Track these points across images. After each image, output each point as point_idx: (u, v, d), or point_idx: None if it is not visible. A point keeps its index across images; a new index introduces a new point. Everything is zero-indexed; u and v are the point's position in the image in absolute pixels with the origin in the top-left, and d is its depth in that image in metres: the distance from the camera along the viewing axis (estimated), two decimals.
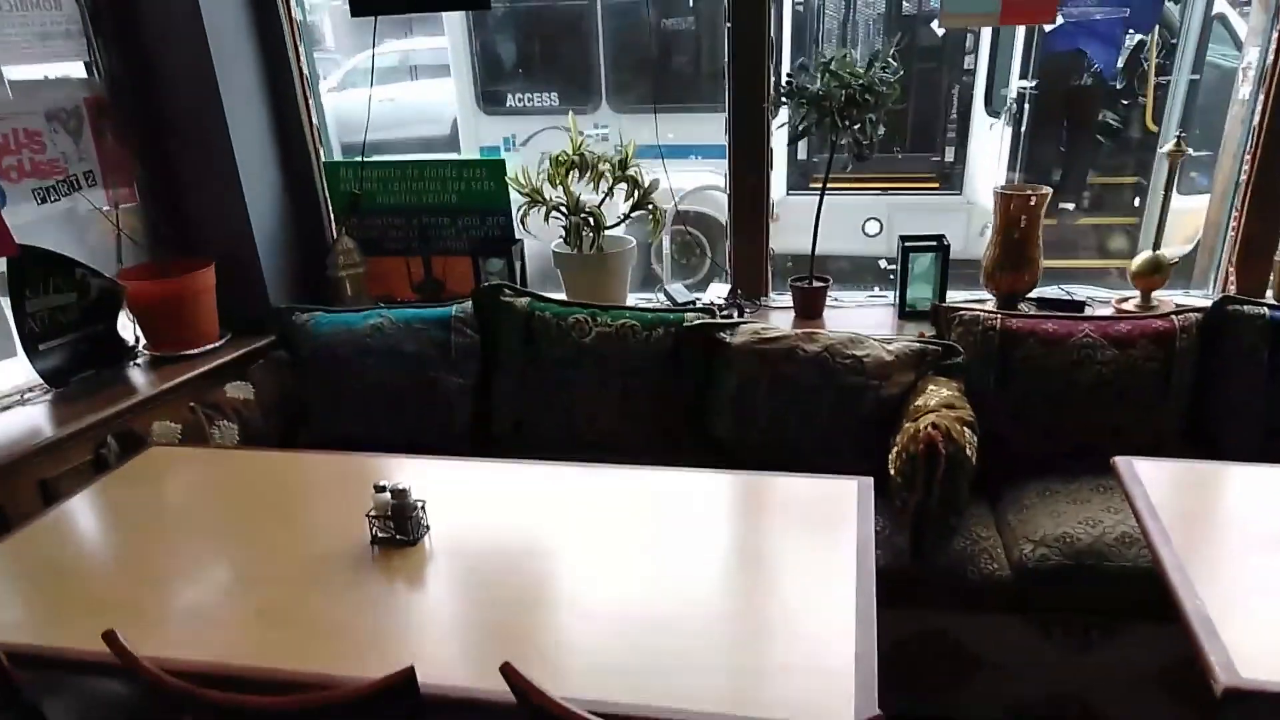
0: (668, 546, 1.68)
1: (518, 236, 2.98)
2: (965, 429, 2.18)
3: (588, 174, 2.73)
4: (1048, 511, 2.24)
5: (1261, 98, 2.48)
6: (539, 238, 2.94)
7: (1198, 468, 1.91)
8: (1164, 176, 2.51)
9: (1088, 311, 2.67)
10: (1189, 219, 4.84)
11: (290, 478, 2.04)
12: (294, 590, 1.57)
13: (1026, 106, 5.30)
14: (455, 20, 6.10)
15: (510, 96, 6.36)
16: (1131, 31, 5.70)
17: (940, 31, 5.72)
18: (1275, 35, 2.42)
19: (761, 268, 2.92)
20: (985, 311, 2.44)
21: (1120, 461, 1.94)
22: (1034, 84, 5.34)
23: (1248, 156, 2.54)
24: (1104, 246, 5.97)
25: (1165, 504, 1.73)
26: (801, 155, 6.39)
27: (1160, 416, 2.34)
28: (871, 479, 1.87)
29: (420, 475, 1.78)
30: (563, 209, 2.74)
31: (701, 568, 1.63)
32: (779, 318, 2.88)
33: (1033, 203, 2.52)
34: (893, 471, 2.17)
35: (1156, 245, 2.56)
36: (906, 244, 2.72)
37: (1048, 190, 2.55)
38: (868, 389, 2.38)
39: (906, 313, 2.76)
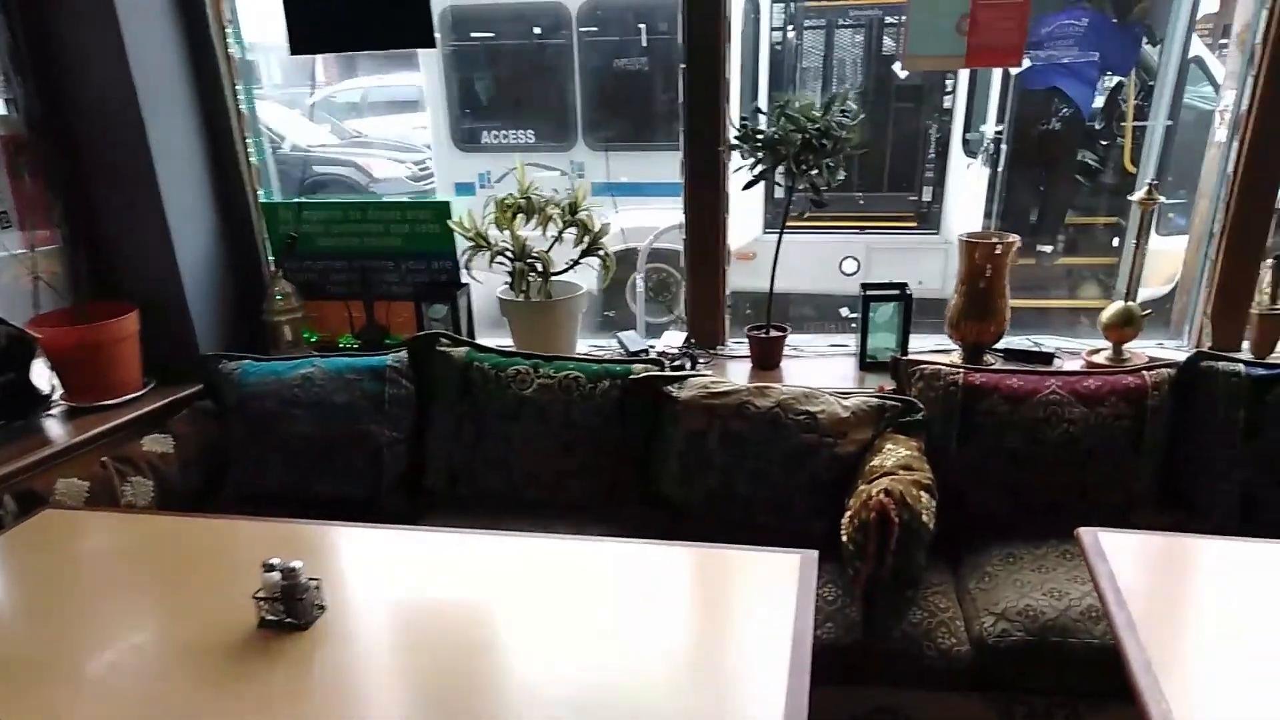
0: (597, 627, 1.53)
1: (464, 281, 2.84)
2: (922, 493, 2.04)
3: (535, 217, 2.60)
4: (1011, 580, 2.10)
5: (1236, 144, 2.37)
6: (484, 283, 2.82)
7: (1166, 541, 1.77)
8: (1139, 222, 2.40)
9: (1057, 364, 2.55)
10: (1168, 260, 4.75)
11: (189, 546, 1.87)
12: (173, 683, 1.41)
13: (1003, 147, 5.23)
14: (431, 56, 6.05)
15: (486, 133, 6.29)
16: (1109, 74, 5.67)
17: (903, 74, 5.68)
18: (1251, 80, 2.33)
19: (718, 315, 2.79)
20: (947, 366, 2.31)
21: (1085, 534, 1.80)
22: (999, 128, 5.28)
23: (1222, 204, 2.43)
24: (1081, 288, 5.88)
25: (1132, 583, 1.59)
26: (778, 194, 6.33)
27: (1131, 477, 2.20)
28: (816, 553, 1.74)
29: (335, 544, 1.63)
30: (508, 254, 2.61)
31: (632, 649, 1.48)
32: (736, 368, 2.75)
33: (998, 251, 2.40)
34: (845, 539, 2.03)
35: (1129, 295, 2.44)
36: (868, 292, 2.59)
37: (1014, 239, 2.44)
38: (822, 447, 2.24)
39: (868, 364, 2.63)
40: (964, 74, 5.42)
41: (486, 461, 2.43)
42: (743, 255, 6.25)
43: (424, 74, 6.25)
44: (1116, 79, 5.62)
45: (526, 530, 2.16)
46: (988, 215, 5.54)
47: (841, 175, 2.35)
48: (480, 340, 2.61)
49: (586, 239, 2.60)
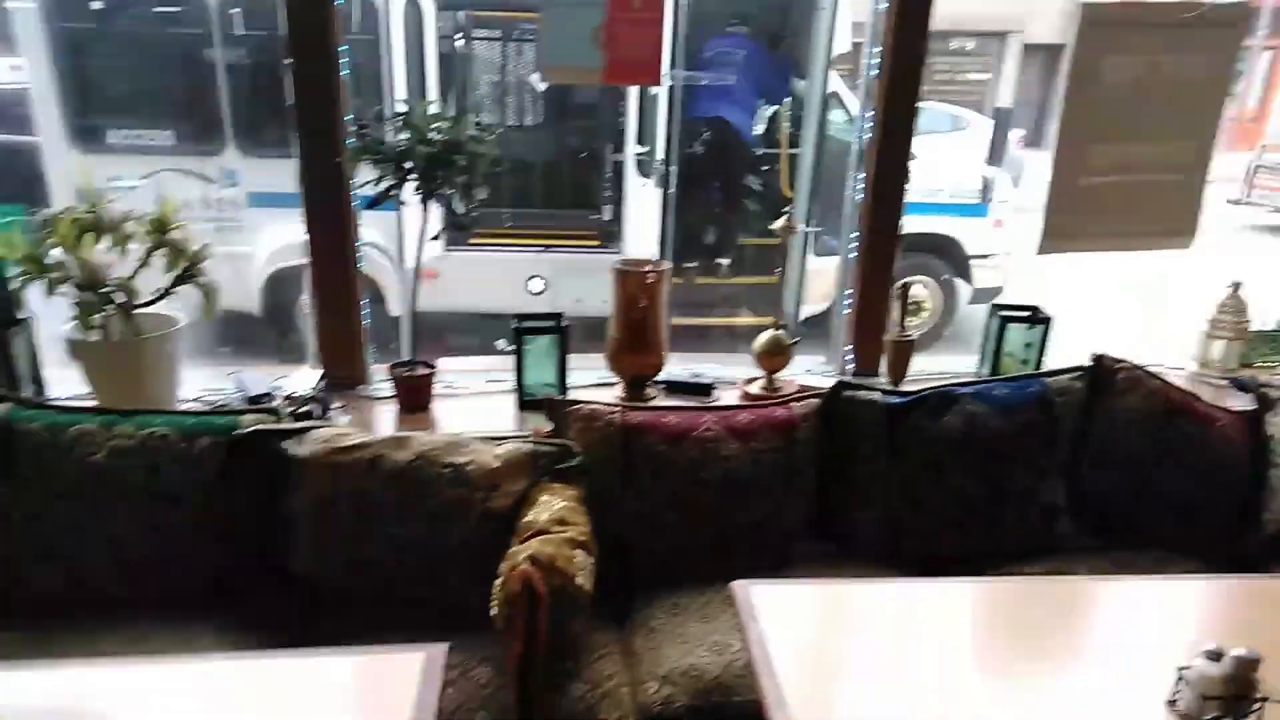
0: None
1: (20, 316, 2.23)
2: (577, 552, 1.84)
3: (109, 237, 2.08)
4: (676, 635, 1.95)
5: (863, 177, 2.44)
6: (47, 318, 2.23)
7: (812, 589, 1.70)
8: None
9: (716, 394, 2.48)
10: (825, 278, 5.06)
11: None
12: None
13: (672, 169, 5.32)
14: (34, 35, 5.04)
15: (112, 132, 5.35)
16: (765, 102, 6.01)
17: (542, 86, 5.65)
18: (871, 116, 2.40)
19: (355, 350, 2.43)
20: (604, 405, 2.14)
21: (738, 588, 1.69)
22: (646, 148, 5.39)
23: (853, 233, 2.49)
24: (754, 305, 6.16)
25: (784, 643, 1.50)
26: (458, 208, 6.01)
27: (788, 511, 2.15)
28: (445, 647, 1.47)
29: None
30: (72, 281, 2.06)
31: None
32: (384, 411, 2.41)
33: (650, 280, 2.28)
34: (494, 613, 1.77)
35: (778, 324, 2.42)
36: (521, 324, 2.36)
37: (667, 265, 2.33)
38: (473, 503, 1.98)
39: (527, 402, 2.40)
40: (633, 94, 5.46)
41: (41, 555, 1.89)
42: (427, 273, 5.90)
43: (24, 56, 5.18)
44: (773, 108, 5.97)
45: (96, 648, 1.72)
46: (663, 236, 5.62)
47: (483, 194, 2.10)
48: (54, 393, 2.04)
49: (182, 263, 2.13)
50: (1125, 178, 2.41)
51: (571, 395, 2.45)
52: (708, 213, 6.17)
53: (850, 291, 2.54)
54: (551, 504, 1.97)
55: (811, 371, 2.62)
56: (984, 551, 2.16)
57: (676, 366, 2.57)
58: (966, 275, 6.17)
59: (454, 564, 1.98)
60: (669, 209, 5.48)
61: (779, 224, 2.35)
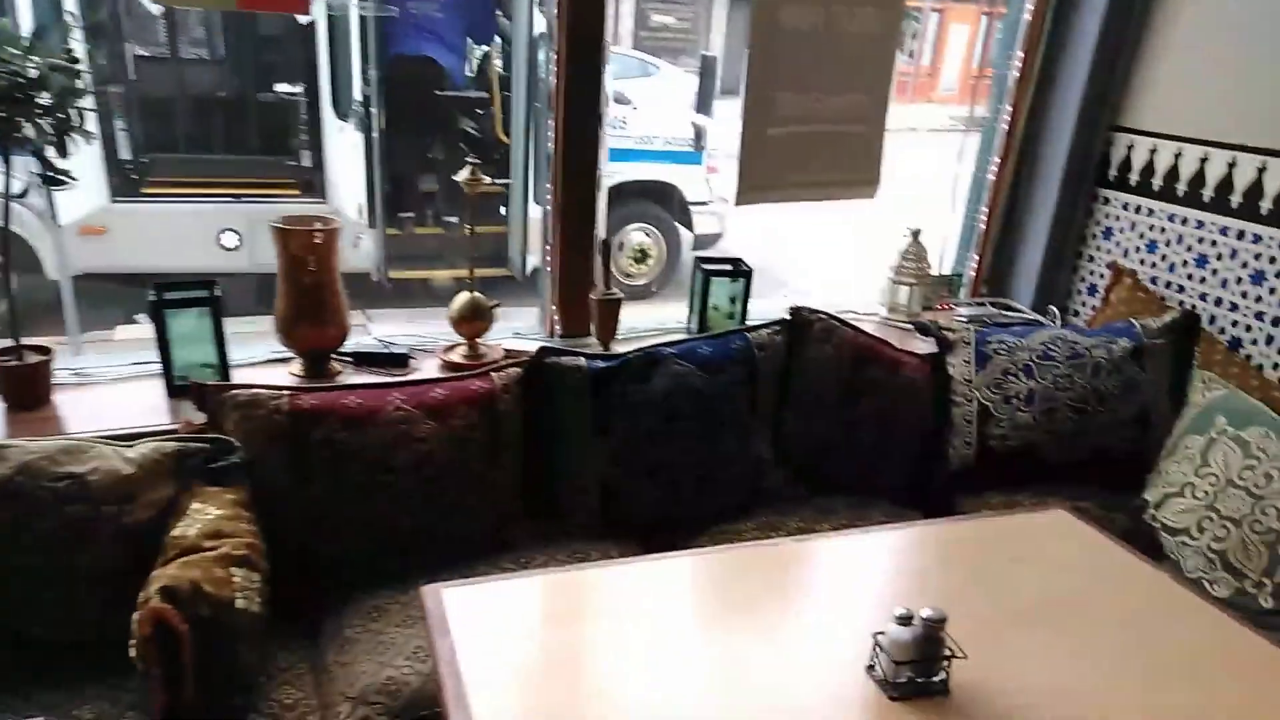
0: None
1: None
2: (234, 570, 1.55)
3: None
4: (373, 645, 1.72)
5: (553, 120, 2.26)
6: None
7: (513, 584, 1.54)
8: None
9: (414, 364, 2.23)
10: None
11: None
12: None
13: (374, 111, 4.87)
14: None
15: None
16: (473, 42, 5.67)
17: (158, 9, 5.01)
18: (554, 56, 2.21)
19: None
20: (267, 389, 1.82)
21: (427, 594, 1.49)
22: (368, 91, 4.92)
23: (548, 185, 2.31)
24: (481, 256, 5.86)
25: (479, 646, 1.35)
26: (125, 154, 5.19)
27: (495, 492, 1.97)
28: None
29: None
30: None
31: None
32: None
33: (318, 240, 1.97)
34: (132, 655, 1.44)
35: (471, 285, 2.20)
36: (161, 295, 1.95)
37: (337, 224, 2.03)
38: (102, 521, 1.63)
39: (179, 388, 2.01)
40: (322, 29, 4.92)
41: None
42: (89, 229, 5.04)
43: None
44: (483, 48, 5.65)
45: None
46: (370, 185, 5.17)
47: (82, 143, 1.68)
48: None
49: None
50: (810, 128, 2.42)
51: (240, 377, 2.10)
52: (422, 159, 5.77)
53: (549, 247, 2.37)
54: (204, 513, 1.66)
55: (520, 334, 2.43)
56: (699, 513, 2.11)
57: (374, 332, 2.29)
58: (688, 222, 6.28)
59: (89, 595, 1.63)
60: (374, 155, 5.05)
61: (463, 176, 2.11)
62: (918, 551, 1.71)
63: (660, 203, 6.20)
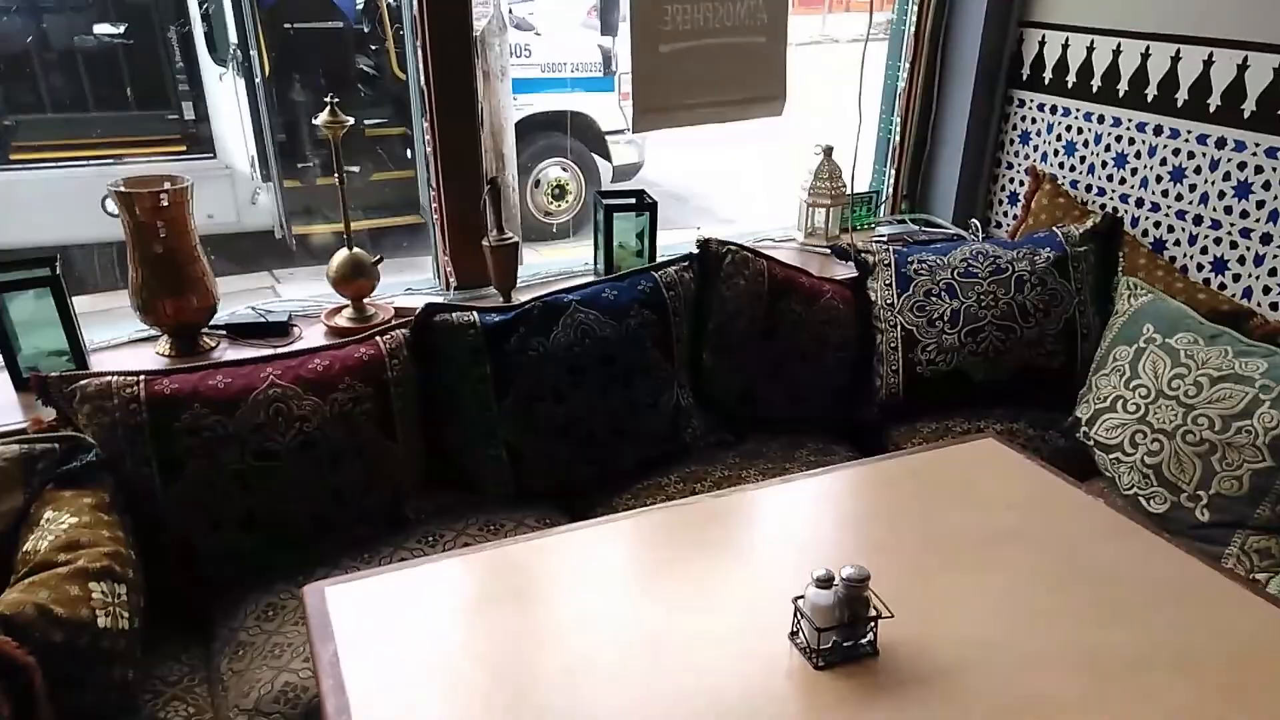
0: None
1: None
2: (93, 586, 1.39)
3: None
4: (268, 648, 1.57)
5: (418, 49, 2.04)
6: None
7: (404, 576, 1.39)
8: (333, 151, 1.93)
9: (297, 332, 2.03)
10: None
11: None
12: None
13: (253, 54, 4.51)
14: None
15: None
16: None
17: None
18: None
19: None
20: (119, 376, 1.63)
21: (309, 591, 1.35)
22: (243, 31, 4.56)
23: (425, 124, 2.10)
24: (392, 203, 5.57)
25: (360, 647, 1.23)
26: None
27: (396, 468, 1.81)
28: None
29: None
30: None
31: None
32: None
33: (165, 203, 1.75)
34: None
35: (350, 241, 2.00)
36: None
37: (186, 181, 1.81)
38: None
39: (25, 381, 1.79)
40: None
41: None
42: None
43: None
44: None
45: None
46: (259, 134, 4.83)
47: None
48: None
49: None
50: (705, 41, 2.24)
51: (101, 362, 1.89)
52: (318, 103, 5.40)
53: (433, 195, 2.17)
54: (59, 522, 1.49)
55: (413, 290, 2.24)
56: (619, 469, 1.99)
57: (284, 295, 2.09)
58: (605, 153, 6.04)
59: None
60: (260, 103, 4.70)
61: (322, 118, 1.90)
62: (843, 497, 1.61)
63: (575, 134, 5.94)
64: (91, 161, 4.82)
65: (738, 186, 7.20)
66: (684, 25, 2.26)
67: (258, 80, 4.61)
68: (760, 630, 1.23)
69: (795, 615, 1.20)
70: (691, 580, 1.37)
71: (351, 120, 1.92)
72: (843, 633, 1.17)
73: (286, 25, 4.93)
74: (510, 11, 6.11)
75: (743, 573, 1.39)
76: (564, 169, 5.89)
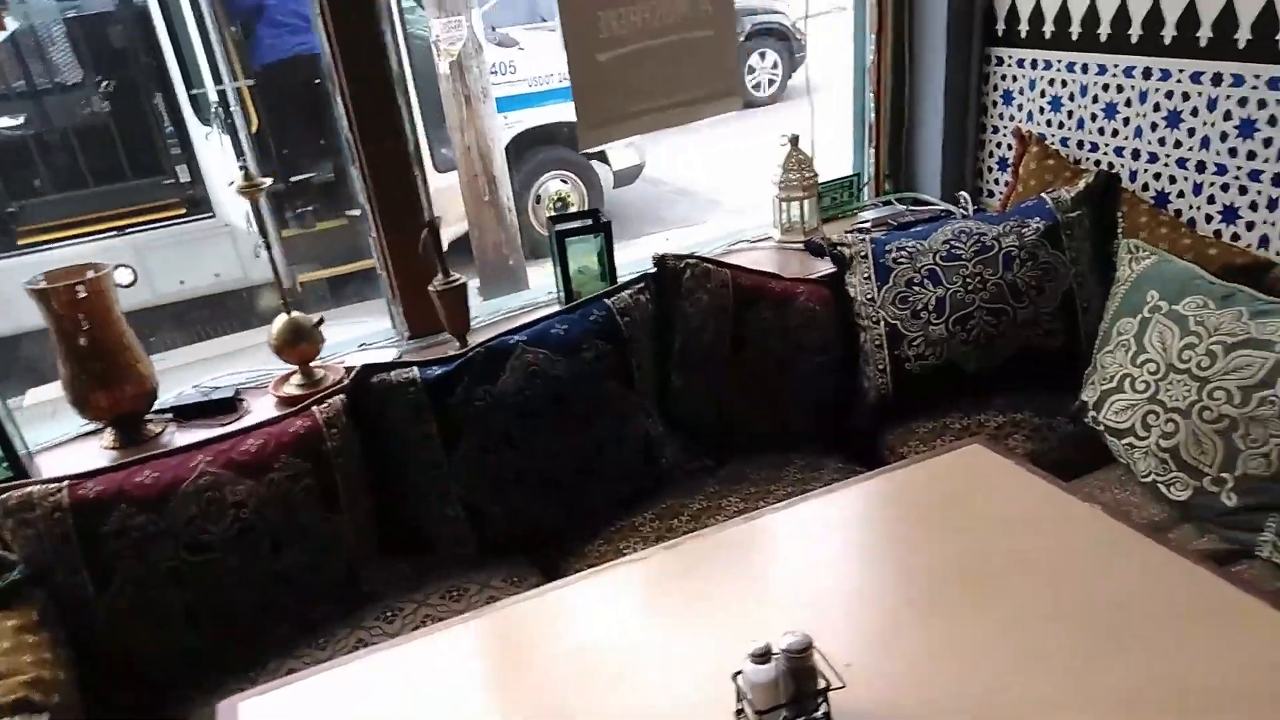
0: None
1: None
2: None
3: None
4: None
5: (337, 94, 1.93)
6: None
7: (327, 680, 1.29)
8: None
9: (243, 409, 1.95)
10: (452, 195, 4.57)
11: None
12: None
13: (234, 108, 4.50)
14: None
15: None
16: None
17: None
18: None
19: None
20: (39, 485, 1.55)
21: (222, 710, 1.24)
22: (220, 87, 4.54)
23: (355, 170, 1.99)
24: (348, 249, 5.53)
25: None
26: None
27: (346, 542, 1.70)
28: None
29: None
30: None
31: None
32: None
33: (83, 295, 1.68)
34: None
35: (288, 306, 1.90)
36: None
37: (106, 269, 1.74)
38: None
39: None
40: (161, 29, 4.53)
41: None
42: None
43: None
44: None
45: None
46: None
47: None
48: None
49: None
50: (646, 43, 2.09)
51: (46, 463, 1.83)
52: (311, 150, 5.38)
53: (374, 240, 2.06)
54: None
55: (366, 345, 2.14)
56: (589, 510, 1.86)
57: (185, 387, 2.00)
58: (604, 159, 5.91)
59: None
60: (248, 154, 4.68)
61: (238, 184, 1.80)
62: (818, 532, 1.45)
63: (570, 144, 5.82)
64: (94, 237, 4.86)
65: (746, 172, 7.01)
66: (621, 30, 2.12)
67: (240, 136, 4.60)
68: (705, 707, 1.10)
69: (738, 692, 1.06)
70: (636, 651, 1.24)
71: (269, 181, 1.82)
72: (790, 709, 1.02)
73: (277, 89, 4.92)
74: (493, 29, 6.04)
75: (693, 637, 1.25)
76: (564, 181, 5.78)
